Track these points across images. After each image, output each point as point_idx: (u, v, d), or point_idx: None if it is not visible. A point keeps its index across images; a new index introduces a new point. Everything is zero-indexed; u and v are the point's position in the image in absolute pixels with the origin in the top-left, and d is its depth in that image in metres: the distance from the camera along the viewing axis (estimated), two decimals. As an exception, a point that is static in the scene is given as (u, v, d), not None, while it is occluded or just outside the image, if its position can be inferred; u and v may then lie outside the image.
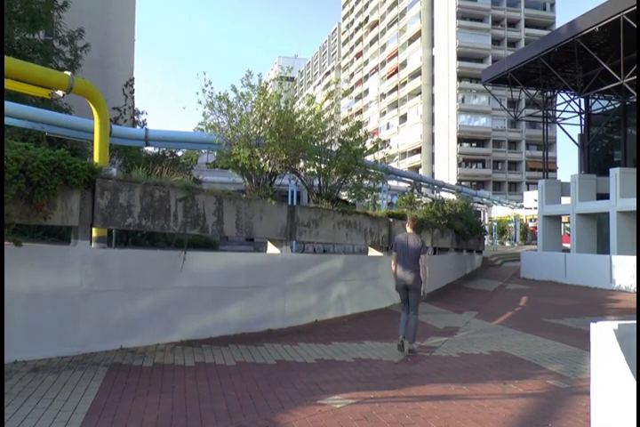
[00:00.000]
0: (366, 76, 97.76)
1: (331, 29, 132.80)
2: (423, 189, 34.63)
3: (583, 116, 27.89)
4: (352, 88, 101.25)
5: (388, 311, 11.99)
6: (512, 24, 74.96)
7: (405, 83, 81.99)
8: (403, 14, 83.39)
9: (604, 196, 22.13)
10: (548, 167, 28.21)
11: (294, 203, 20.46)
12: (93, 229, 7.24)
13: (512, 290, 17.88)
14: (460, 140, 71.35)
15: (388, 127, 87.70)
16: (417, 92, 79.60)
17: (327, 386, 5.80)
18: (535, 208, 32.74)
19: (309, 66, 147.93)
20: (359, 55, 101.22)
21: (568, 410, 5.31)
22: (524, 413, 5.19)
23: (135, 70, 27.09)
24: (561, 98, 29.11)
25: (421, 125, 77.69)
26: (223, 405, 5.04)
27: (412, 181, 31.03)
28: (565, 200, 25.01)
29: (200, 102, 11.10)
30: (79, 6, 21.47)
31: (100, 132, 9.50)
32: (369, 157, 14.14)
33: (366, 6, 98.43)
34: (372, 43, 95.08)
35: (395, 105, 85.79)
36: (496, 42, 73.69)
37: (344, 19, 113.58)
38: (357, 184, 12.72)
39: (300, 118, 11.60)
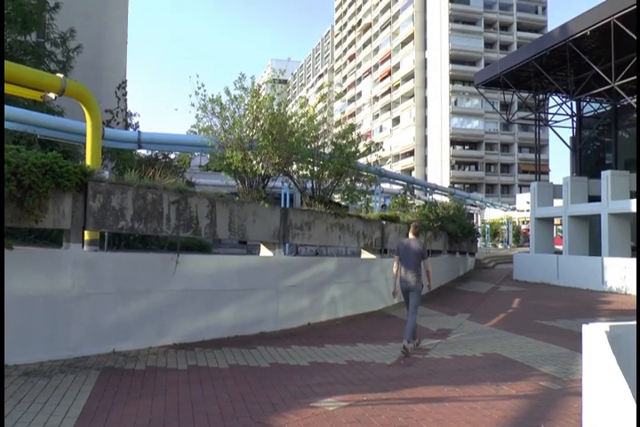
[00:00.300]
0: (359, 79, 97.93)
1: (324, 32, 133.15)
2: (416, 192, 34.71)
3: (575, 118, 28.06)
4: (345, 91, 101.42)
5: (381, 314, 12.00)
6: (504, 27, 75.37)
7: (398, 85, 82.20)
8: (395, 17, 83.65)
9: (595, 198, 22.26)
10: (540, 170, 28.36)
11: (287, 205, 20.46)
12: (85, 233, 7.21)
13: (505, 292, 17.93)
14: (453, 142, 71.58)
15: (380, 130, 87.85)
16: (410, 95, 79.81)
17: (320, 389, 5.79)
18: (527, 210, 32.88)
19: (302, 68, 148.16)
20: (352, 58, 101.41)
21: (560, 411, 5.33)
22: (516, 414, 5.20)
23: (128, 72, 27.04)
24: (553, 101, 29.32)
25: (414, 128, 77.88)
26: (216, 408, 5.03)
27: (404, 183, 31.11)
28: (557, 202, 25.15)
29: (193, 105, 11.08)
30: (71, 8, 21.41)
31: (92, 134, 9.47)
32: (362, 160, 14.15)
33: (359, 9, 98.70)
34: (364, 45, 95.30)
35: (388, 108, 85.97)
36: (488, 45, 74.06)
37: (337, 21, 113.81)
38: (350, 187, 12.73)
39: (292, 121, 11.60)
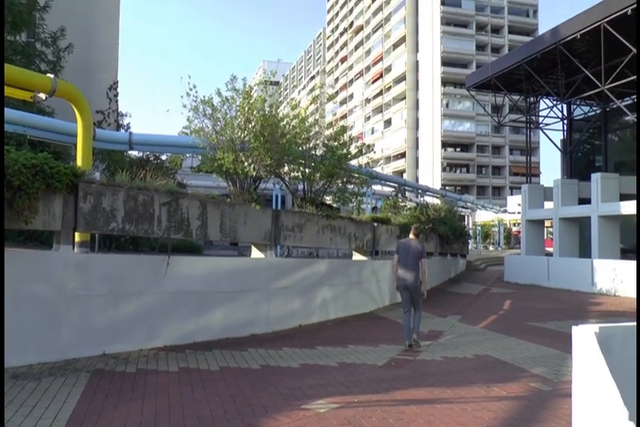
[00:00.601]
0: (351, 81, 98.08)
1: (315, 34, 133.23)
2: (407, 194, 34.76)
3: (565, 121, 28.22)
4: (337, 93, 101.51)
5: (372, 315, 12.01)
6: (496, 30, 75.73)
7: (390, 88, 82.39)
8: (387, 19, 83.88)
9: (585, 200, 22.37)
10: (531, 172, 28.49)
11: (279, 207, 20.44)
12: (76, 234, 7.16)
13: (496, 294, 18.00)
14: (445, 144, 71.78)
15: (372, 132, 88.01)
16: (401, 97, 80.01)
17: (311, 391, 5.79)
18: (518, 213, 33.00)
19: (294, 70, 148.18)
20: (344, 60, 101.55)
21: (551, 412, 5.36)
22: (507, 415, 5.22)
23: (119, 73, 26.93)
24: (544, 103, 29.46)
25: (406, 130, 78.08)
26: (207, 410, 5.01)
27: (396, 185, 31.11)
28: (548, 205, 25.25)
29: (184, 106, 11.07)
30: (61, 8, 21.25)
31: (83, 135, 9.41)
32: (353, 162, 14.18)
33: (351, 11, 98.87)
34: (356, 47, 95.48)
35: (379, 110, 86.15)
36: (480, 48, 74.39)
37: (329, 23, 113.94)
38: (342, 189, 12.74)
39: (284, 123, 11.61)
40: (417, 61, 77.94)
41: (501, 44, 74.54)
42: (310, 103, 14.81)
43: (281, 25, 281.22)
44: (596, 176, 21.38)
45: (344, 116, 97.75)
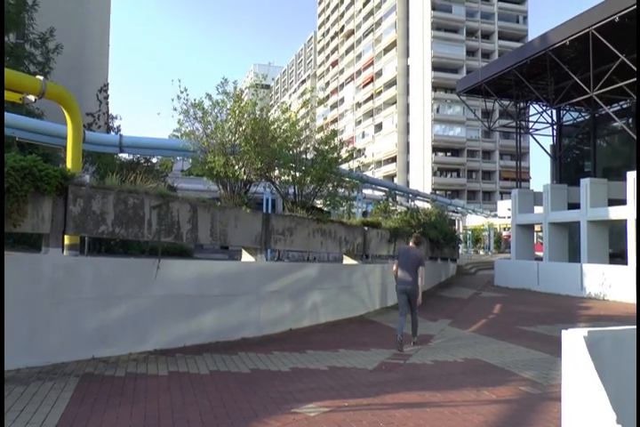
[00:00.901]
0: (342, 85, 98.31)
1: (306, 38, 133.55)
2: (398, 198, 34.85)
3: (555, 127, 28.45)
4: (327, 97, 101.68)
5: (362, 319, 12.01)
6: (486, 36, 76.23)
7: (381, 92, 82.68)
8: (378, 24, 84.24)
9: (575, 205, 22.55)
10: (521, 177, 28.70)
11: (269, 211, 20.41)
12: (65, 237, 7.12)
13: (486, 298, 18.06)
14: (435, 149, 72.07)
15: (363, 136, 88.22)
16: (392, 102, 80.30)
17: (301, 395, 5.78)
18: (509, 217, 33.18)
19: (285, 74, 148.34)
20: (335, 64, 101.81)
21: (540, 416, 5.38)
22: (497, 419, 5.24)
23: (110, 75, 26.84)
24: (533, 109, 29.72)
25: (396, 134, 78.34)
26: (196, 415, 4.98)
27: (386, 189, 31.21)
28: (538, 209, 25.42)
29: (175, 109, 11.05)
30: (50, 9, 21.13)
31: (73, 137, 9.37)
32: (344, 166, 14.20)
33: (342, 15, 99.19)
34: (347, 52, 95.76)
35: (370, 114, 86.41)
36: (470, 53, 74.83)
37: (320, 27, 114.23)
38: (332, 193, 12.76)
39: (275, 126, 11.61)
40: (408, 66, 78.27)
41: (491, 50, 75.03)
42: (301, 107, 14.85)
43: (272, 28, 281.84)
44: (585, 181, 21.55)
45: (335, 120, 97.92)
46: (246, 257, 9.76)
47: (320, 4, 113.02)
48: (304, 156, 12.37)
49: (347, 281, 12.21)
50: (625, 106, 24.74)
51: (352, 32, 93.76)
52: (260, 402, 5.44)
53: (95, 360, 6.87)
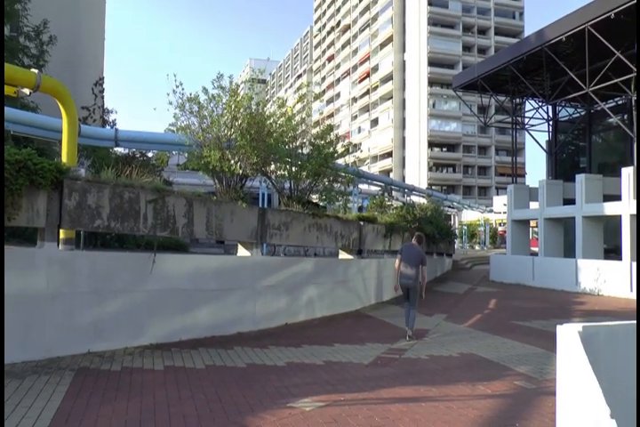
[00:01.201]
0: (338, 80, 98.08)
1: (303, 32, 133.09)
2: (394, 193, 34.88)
3: (550, 123, 28.45)
4: (324, 91, 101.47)
5: (358, 314, 12.03)
6: (482, 31, 76.16)
7: (377, 87, 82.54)
8: (374, 19, 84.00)
9: (570, 201, 22.58)
10: (516, 172, 28.69)
11: (265, 206, 20.39)
12: (61, 231, 7.10)
13: (481, 293, 18.11)
14: (431, 144, 72.07)
15: (359, 131, 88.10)
16: (388, 97, 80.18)
17: (297, 389, 5.79)
18: (504, 212, 33.22)
19: (281, 68, 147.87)
20: (331, 59, 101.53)
21: (535, 410, 5.40)
22: (492, 413, 5.26)
23: (105, 69, 26.69)
24: (529, 105, 29.67)
25: (392, 130, 78.27)
26: (192, 409, 4.99)
27: (382, 184, 31.22)
28: (534, 205, 25.45)
29: (171, 103, 10.99)
30: (46, 2, 20.99)
31: (68, 131, 9.32)
32: (340, 161, 14.18)
33: (338, 10, 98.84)
34: (343, 46, 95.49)
35: (366, 109, 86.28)
36: (466, 48, 74.75)
37: (316, 22, 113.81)
38: (328, 187, 12.74)
39: (271, 121, 11.57)
40: (404, 61, 78.13)
41: (488, 46, 74.96)
42: (297, 102, 14.80)
43: (268, 23, 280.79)
44: (580, 177, 21.59)
45: (331, 115, 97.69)
46: (242, 252, 9.75)
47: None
48: (300, 150, 12.35)
49: (342, 276, 12.22)
50: (620, 102, 24.73)
51: (348, 27, 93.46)
52: (256, 397, 5.45)
53: (91, 354, 6.87)
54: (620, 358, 3.61)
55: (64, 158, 8.97)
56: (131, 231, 7.74)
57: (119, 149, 20.67)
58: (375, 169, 77.72)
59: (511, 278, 21.91)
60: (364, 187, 31.45)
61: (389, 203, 22.04)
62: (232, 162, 10.82)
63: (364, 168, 62.75)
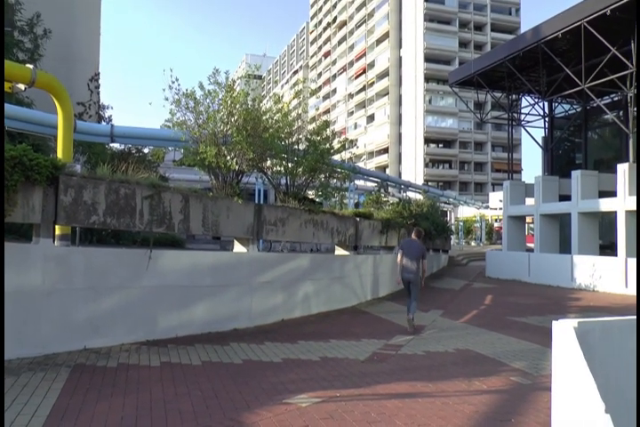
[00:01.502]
0: (334, 76, 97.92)
1: (299, 28, 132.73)
2: (390, 189, 34.87)
3: (546, 119, 28.50)
4: (320, 87, 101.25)
5: (354, 310, 12.05)
6: (478, 28, 76.06)
7: (373, 83, 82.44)
8: (371, 15, 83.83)
9: (566, 197, 22.65)
10: (512, 169, 28.74)
11: (261, 202, 20.39)
12: (56, 227, 7.08)
13: (477, 289, 18.15)
14: (427, 140, 72.07)
15: (355, 127, 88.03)
16: (384, 93, 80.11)
17: (293, 385, 5.79)
18: (500, 209, 33.32)
19: (277, 64, 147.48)
20: (327, 55, 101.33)
21: (530, 406, 5.42)
22: (488, 409, 5.28)
23: (101, 65, 26.57)
24: (526, 101, 29.75)
25: (389, 126, 78.23)
26: (189, 405, 4.99)
27: (378, 180, 31.24)
28: (529, 201, 25.53)
29: (167, 99, 10.97)
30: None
31: (63, 127, 9.30)
32: (336, 157, 14.18)
33: (334, 6, 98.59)
34: (340, 42, 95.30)
35: (362, 105, 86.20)
36: (463, 45, 74.66)
37: (312, 18, 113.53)
38: (324, 183, 12.74)
39: (267, 117, 11.56)
40: (400, 57, 78.03)
41: (484, 42, 74.89)
42: (293, 98, 14.77)
43: (265, 19, 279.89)
44: (576, 173, 21.65)
45: (327, 111, 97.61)
46: (238, 248, 9.74)
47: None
48: (296, 146, 12.35)
49: (338, 272, 12.23)
50: (616, 99, 24.81)
51: (344, 23, 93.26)
52: (252, 393, 5.45)
53: (87, 351, 6.86)
54: (615, 353, 3.62)
55: (59, 154, 8.95)
56: (127, 227, 7.72)
57: (115, 145, 20.65)
58: (371, 165, 77.68)
59: (507, 274, 21.98)
60: (360, 183, 31.47)
61: (385, 199, 22.02)
62: (228, 158, 10.81)
63: (361, 164, 62.71)
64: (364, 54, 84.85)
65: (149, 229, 7.79)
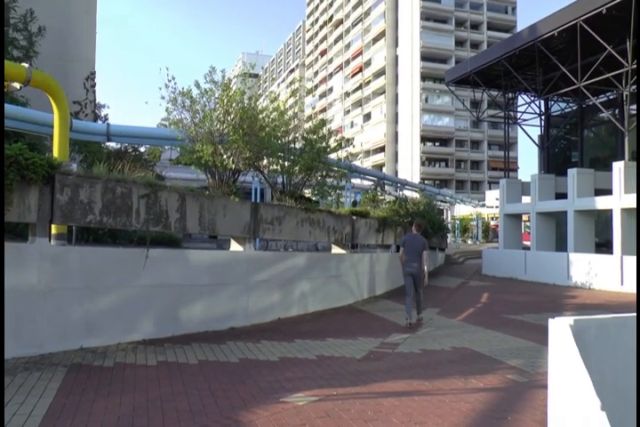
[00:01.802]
0: (330, 75, 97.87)
1: (295, 27, 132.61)
2: (386, 188, 34.91)
3: (543, 117, 28.53)
4: (316, 86, 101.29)
5: (350, 309, 12.06)
6: (475, 26, 76.16)
7: (369, 82, 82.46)
8: (367, 14, 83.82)
9: (562, 195, 22.69)
10: (509, 167, 28.77)
11: (258, 200, 20.37)
12: (53, 226, 7.06)
13: (474, 287, 18.18)
14: (424, 139, 72.15)
15: (352, 126, 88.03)
16: (381, 91, 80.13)
17: (290, 384, 5.79)
18: (497, 207, 33.33)
19: (274, 63, 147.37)
20: (323, 53, 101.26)
21: (527, 403, 5.44)
22: (484, 407, 5.28)
23: (97, 64, 26.48)
24: (522, 99, 29.74)
25: (385, 124, 78.27)
26: (185, 404, 4.98)
27: (375, 179, 31.26)
28: (526, 199, 25.56)
29: (163, 98, 10.96)
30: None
31: (59, 126, 9.26)
32: (332, 155, 14.18)
33: (331, 4, 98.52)
34: (336, 41, 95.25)
35: (359, 103, 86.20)
36: (459, 43, 74.75)
37: (309, 16, 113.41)
38: (321, 182, 12.74)
39: (263, 115, 11.55)
40: (396, 56, 78.05)
41: (480, 40, 74.99)
42: (289, 96, 14.77)
43: (261, 17, 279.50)
44: (572, 171, 21.68)
45: (323, 110, 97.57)
46: (235, 246, 9.74)
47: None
48: (292, 145, 12.34)
49: (335, 270, 12.23)
50: (612, 97, 24.84)
51: (341, 21, 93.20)
52: (249, 392, 5.45)
53: (83, 350, 6.85)
54: (611, 351, 3.63)
55: (55, 153, 8.92)
56: (123, 226, 7.70)
57: (111, 144, 20.59)
58: (368, 164, 77.74)
59: (503, 272, 22.02)
60: (356, 181, 31.49)
61: (382, 197, 22.06)
62: (224, 156, 10.81)
63: (357, 163, 62.76)
64: (361, 53, 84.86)
65: (146, 228, 7.78)
